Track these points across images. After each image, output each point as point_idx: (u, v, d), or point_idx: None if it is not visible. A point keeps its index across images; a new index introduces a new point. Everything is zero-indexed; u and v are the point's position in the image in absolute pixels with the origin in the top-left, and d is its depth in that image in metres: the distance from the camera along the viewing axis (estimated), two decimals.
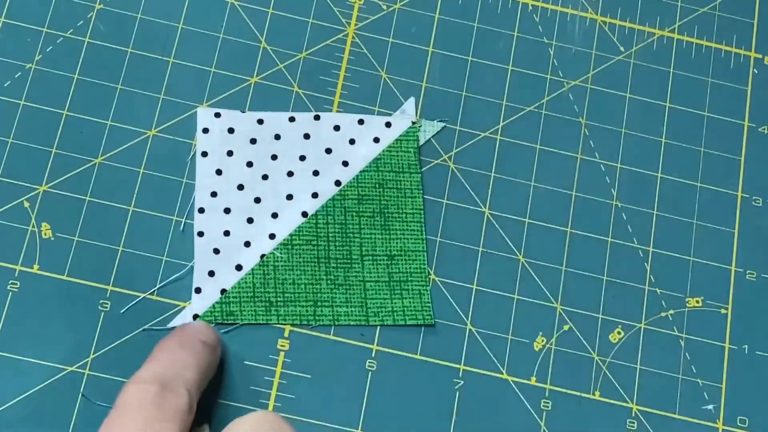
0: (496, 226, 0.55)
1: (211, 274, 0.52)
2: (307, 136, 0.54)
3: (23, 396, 0.49)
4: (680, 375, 0.53)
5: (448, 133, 0.56)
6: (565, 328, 0.53)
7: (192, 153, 0.54)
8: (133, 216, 0.52)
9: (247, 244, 0.52)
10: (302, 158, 0.54)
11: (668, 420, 0.52)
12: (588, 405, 0.52)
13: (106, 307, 0.51)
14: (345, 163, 0.54)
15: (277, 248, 0.52)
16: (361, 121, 0.55)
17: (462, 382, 0.52)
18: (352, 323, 0.52)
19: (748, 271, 0.55)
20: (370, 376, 0.51)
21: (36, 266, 0.51)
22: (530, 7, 0.58)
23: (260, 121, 0.54)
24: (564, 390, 0.52)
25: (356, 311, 0.52)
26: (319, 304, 0.52)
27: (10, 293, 0.50)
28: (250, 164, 0.54)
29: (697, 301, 0.55)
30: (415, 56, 0.57)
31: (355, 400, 0.51)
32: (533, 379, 0.52)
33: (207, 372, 0.47)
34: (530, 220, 0.55)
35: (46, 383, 0.49)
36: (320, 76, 0.56)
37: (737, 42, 0.59)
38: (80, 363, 0.50)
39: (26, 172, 0.52)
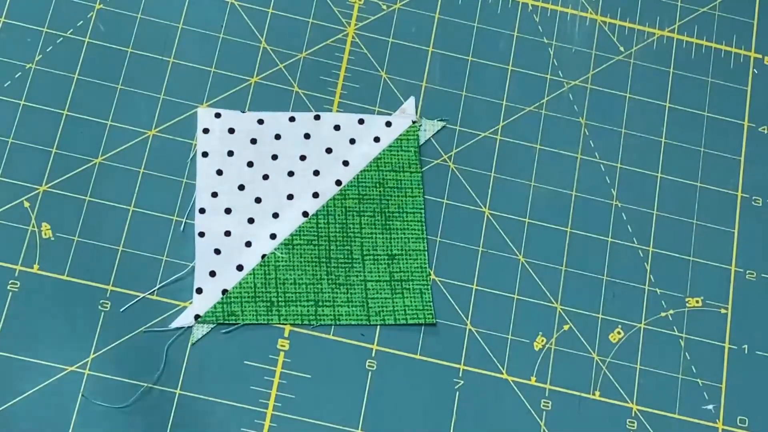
0: (496, 226, 0.55)
1: (212, 274, 0.51)
2: (307, 136, 0.54)
3: (23, 396, 0.49)
4: (680, 375, 0.53)
5: (448, 133, 0.56)
6: (565, 327, 0.53)
7: (192, 153, 0.54)
8: (133, 216, 0.52)
9: (248, 244, 0.52)
10: (303, 158, 0.54)
11: (668, 420, 0.52)
12: (588, 405, 0.52)
13: (106, 307, 0.51)
14: (345, 163, 0.54)
15: (278, 248, 0.52)
16: (361, 121, 0.55)
17: (462, 382, 0.52)
18: (353, 323, 0.52)
19: (747, 271, 0.55)
20: (370, 376, 0.51)
21: (36, 266, 0.51)
22: (530, 7, 0.58)
23: (260, 121, 0.54)
24: (564, 390, 0.52)
25: (357, 311, 0.52)
26: (320, 303, 0.52)
27: (10, 293, 0.50)
28: (250, 164, 0.54)
29: (697, 301, 0.55)
30: (415, 56, 0.57)
31: (355, 400, 0.51)
32: (533, 379, 0.52)
33: None
34: (530, 220, 0.55)
35: (46, 383, 0.49)
36: (320, 76, 0.56)
37: (737, 42, 0.59)
38: (80, 363, 0.50)
39: (26, 172, 0.52)
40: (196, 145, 0.54)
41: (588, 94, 0.57)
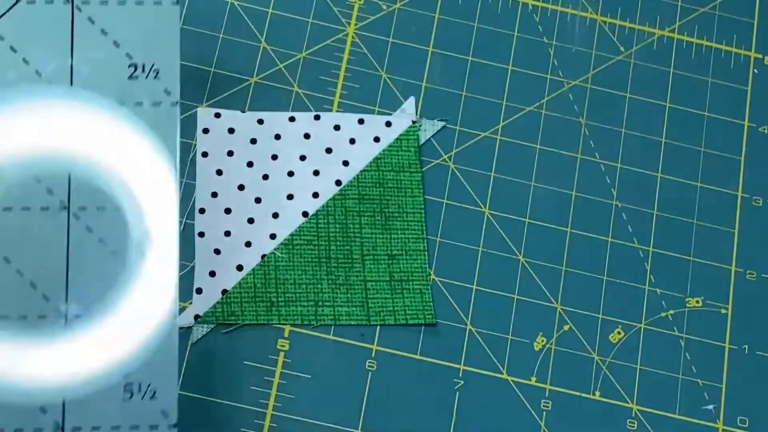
0: (496, 226, 0.54)
1: (212, 274, 0.51)
2: (307, 136, 0.54)
3: None
4: (680, 375, 0.53)
5: (448, 133, 0.56)
6: (566, 328, 0.53)
7: (192, 153, 0.53)
8: None
9: (248, 244, 0.52)
10: (302, 158, 0.54)
11: (668, 420, 0.52)
12: (588, 405, 0.52)
13: None
14: (345, 163, 0.54)
15: (278, 248, 0.52)
16: (361, 121, 0.55)
17: (462, 382, 0.52)
18: (353, 323, 0.52)
19: (748, 271, 0.55)
20: (370, 376, 0.51)
21: None
22: (530, 7, 0.58)
23: (260, 121, 0.54)
24: (564, 390, 0.52)
25: (357, 311, 0.52)
26: (320, 303, 0.52)
27: None
28: (250, 164, 0.54)
29: (698, 301, 0.55)
30: (415, 56, 0.57)
31: (355, 400, 0.51)
32: (533, 379, 0.52)
33: None
34: (530, 220, 0.55)
35: None
36: (320, 76, 0.56)
37: (737, 42, 0.59)
38: None
39: None
40: (195, 145, 0.54)
41: (588, 94, 0.57)
